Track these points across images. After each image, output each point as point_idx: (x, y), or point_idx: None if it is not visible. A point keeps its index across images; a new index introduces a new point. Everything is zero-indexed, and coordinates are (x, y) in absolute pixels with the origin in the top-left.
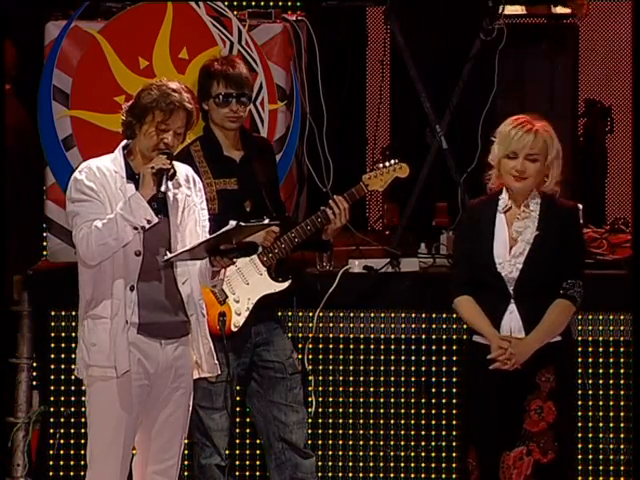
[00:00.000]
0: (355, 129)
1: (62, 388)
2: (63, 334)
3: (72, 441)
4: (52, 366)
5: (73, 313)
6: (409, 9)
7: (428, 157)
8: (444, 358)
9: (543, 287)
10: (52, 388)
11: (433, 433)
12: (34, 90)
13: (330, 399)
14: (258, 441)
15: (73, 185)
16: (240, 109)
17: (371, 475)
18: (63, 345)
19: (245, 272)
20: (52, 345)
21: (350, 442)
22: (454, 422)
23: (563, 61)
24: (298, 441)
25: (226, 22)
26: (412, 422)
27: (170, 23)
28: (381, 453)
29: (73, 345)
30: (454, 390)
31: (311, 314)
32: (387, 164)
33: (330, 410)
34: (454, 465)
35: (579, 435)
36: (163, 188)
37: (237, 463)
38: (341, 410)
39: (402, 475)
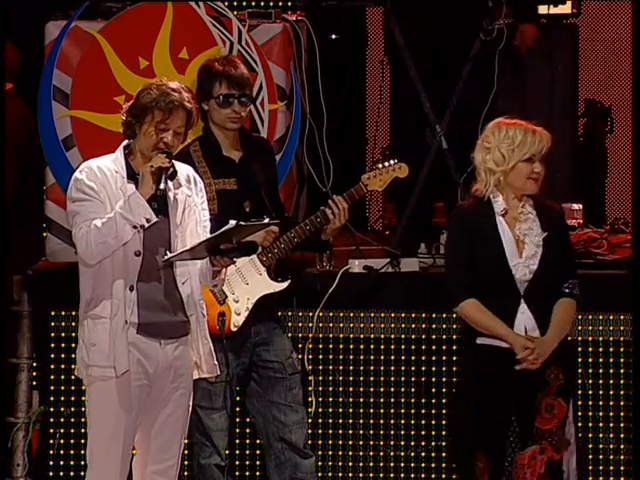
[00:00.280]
0: (355, 129)
1: (62, 388)
2: (63, 334)
3: (72, 441)
4: (52, 366)
5: (73, 313)
6: (409, 9)
7: (428, 157)
8: (444, 358)
9: (550, 286)
10: (52, 388)
11: (433, 433)
12: (34, 90)
13: (330, 399)
14: (258, 441)
15: (74, 185)
16: (241, 110)
17: (371, 475)
18: (63, 345)
19: (245, 272)
20: (52, 345)
21: (350, 442)
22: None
23: (563, 61)
24: (298, 441)
25: (226, 22)
26: (412, 422)
27: (170, 23)
28: (381, 453)
29: (73, 345)
30: (454, 390)
31: (311, 314)
32: (386, 164)
33: (330, 410)
34: (454, 466)
35: (579, 435)
36: (162, 186)
37: (237, 463)
38: (341, 410)
39: (402, 475)
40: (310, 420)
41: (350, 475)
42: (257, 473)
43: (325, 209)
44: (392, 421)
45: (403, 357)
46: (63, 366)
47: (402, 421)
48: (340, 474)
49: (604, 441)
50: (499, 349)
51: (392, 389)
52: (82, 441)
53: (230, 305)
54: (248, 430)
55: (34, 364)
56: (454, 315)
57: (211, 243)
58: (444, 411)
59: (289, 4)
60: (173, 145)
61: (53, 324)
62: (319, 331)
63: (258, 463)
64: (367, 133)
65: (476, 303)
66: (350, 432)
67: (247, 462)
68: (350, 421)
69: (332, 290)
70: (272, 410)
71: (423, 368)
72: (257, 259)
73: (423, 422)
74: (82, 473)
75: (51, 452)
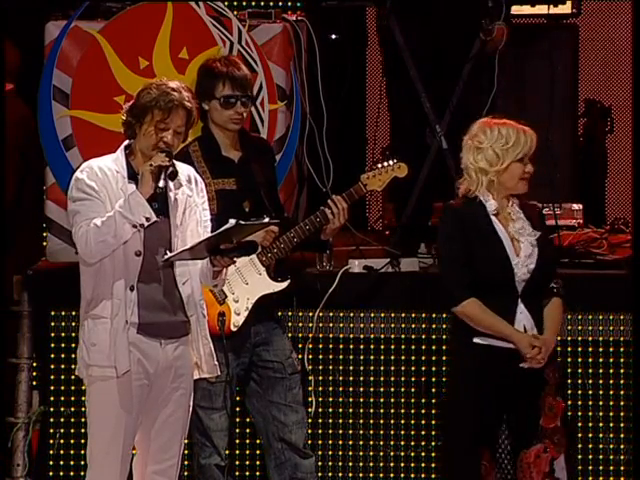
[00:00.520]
0: (355, 129)
1: (62, 388)
2: (63, 334)
3: (72, 441)
4: (52, 366)
5: (73, 313)
6: (409, 9)
7: (428, 157)
8: (444, 358)
9: (542, 286)
10: (52, 388)
11: (433, 433)
12: (34, 90)
13: (330, 399)
14: (258, 441)
15: (74, 184)
16: (244, 111)
17: (371, 475)
18: (63, 345)
19: (244, 272)
20: (52, 345)
21: (350, 442)
22: None
23: (563, 61)
24: (297, 441)
25: (226, 22)
26: (412, 422)
27: (170, 23)
28: (381, 453)
29: (73, 345)
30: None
31: (311, 314)
32: (385, 164)
33: (330, 410)
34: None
35: (579, 435)
36: (161, 184)
37: (237, 463)
38: (341, 410)
39: (402, 475)
40: (310, 420)
41: (350, 475)
42: (257, 473)
43: (325, 209)
44: (392, 421)
45: (403, 357)
46: (63, 366)
47: (402, 421)
48: (340, 474)
49: (604, 441)
50: (497, 348)
51: (392, 389)
52: (82, 441)
53: (230, 305)
54: (248, 430)
55: (34, 364)
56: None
57: (211, 242)
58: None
59: (289, 4)
60: (173, 144)
61: (53, 324)
62: (319, 331)
63: (258, 463)
64: (367, 133)
65: (477, 302)
66: (350, 432)
67: (247, 462)
68: (350, 421)
69: (332, 290)
70: (272, 410)
71: (423, 368)
72: (257, 259)
73: (423, 422)
74: (82, 473)
75: (51, 452)
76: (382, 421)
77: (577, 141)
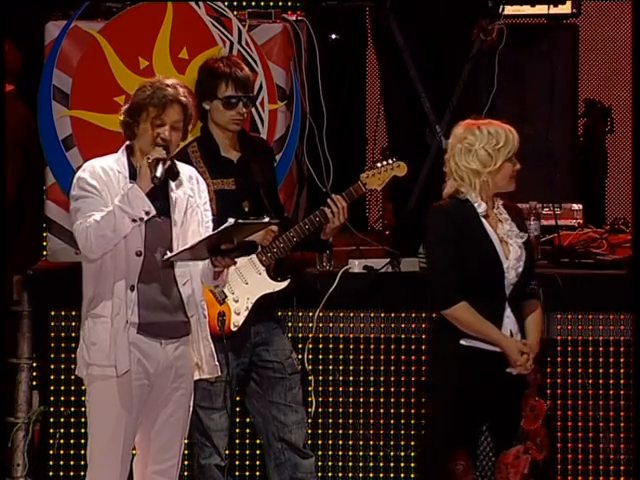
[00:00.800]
0: (355, 129)
1: (62, 388)
2: (63, 334)
3: (72, 441)
4: (52, 366)
5: (73, 313)
6: (409, 9)
7: (428, 157)
8: None
9: (525, 288)
10: (52, 388)
11: None
12: (34, 90)
13: (330, 399)
14: (258, 441)
15: (76, 183)
16: (245, 111)
17: (371, 475)
18: (63, 345)
19: (244, 272)
20: (52, 345)
21: (350, 442)
22: None
23: (563, 61)
24: (297, 441)
25: (226, 22)
26: (412, 422)
27: (170, 23)
28: (381, 453)
29: (73, 345)
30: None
31: (311, 314)
32: (385, 163)
33: (330, 410)
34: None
35: (579, 435)
36: (158, 174)
37: (237, 463)
38: (341, 410)
39: (402, 475)
40: (310, 420)
41: (350, 475)
42: (257, 473)
43: (324, 208)
44: (392, 421)
45: (403, 357)
46: (63, 366)
47: (402, 421)
48: (340, 474)
49: (604, 441)
50: (483, 351)
51: (392, 389)
52: (82, 441)
53: (230, 305)
54: (248, 430)
55: (34, 364)
56: None
57: (211, 242)
58: None
59: (289, 4)
60: (171, 139)
61: (53, 324)
62: (319, 331)
63: (258, 463)
64: (367, 133)
65: (467, 306)
66: (350, 432)
67: (247, 462)
68: (350, 421)
69: (332, 290)
70: (272, 410)
71: (423, 368)
72: (256, 259)
73: (423, 422)
74: (82, 473)
75: (51, 452)
76: (382, 421)
77: (577, 141)
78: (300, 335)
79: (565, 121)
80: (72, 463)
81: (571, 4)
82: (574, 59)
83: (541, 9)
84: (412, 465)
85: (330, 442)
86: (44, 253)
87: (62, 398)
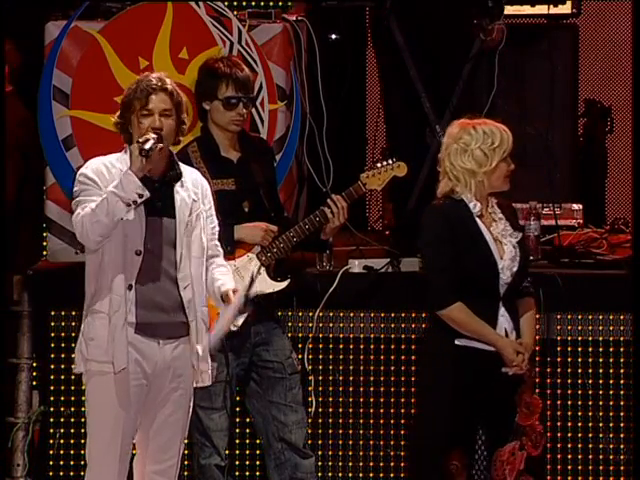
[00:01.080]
0: (355, 129)
1: (62, 388)
2: (63, 334)
3: (72, 441)
4: (52, 366)
5: (73, 313)
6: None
7: (428, 157)
8: None
9: (519, 287)
10: (52, 388)
11: None
12: (34, 90)
13: (330, 399)
14: (258, 441)
15: (77, 179)
16: (245, 112)
17: (371, 475)
18: (63, 345)
19: (244, 272)
20: (52, 345)
21: (350, 442)
22: None
23: (563, 61)
24: (297, 441)
25: (226, 22)
26: (412, 422)
27: (170, 23)
28: (381, 453)
29: (73, 345)
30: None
31: (311, 314)
32: (385, 163)
33: (330, 410)
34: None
35: (579, 435)
36: (147, 146)
37: (237, 463)
38: (341, 410)
39: (402, 475)
40: (310, 420)
41: (350, 475)
42: (257, 473)
43: (324, 208)
44: (392, 421)
45: (403, 357)
46: (63, 366)
47: (402, 421)
48: (340, 474)
49: (604, 441)
50: (478, 350)
51: (392, 389)
52: (82, 441)
53: None
54: (248, 430)
55: (34, 364)
56: None
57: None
58: None
59: (289, 4)
60: (162, 126)
61: (53, 324)
62: (319, 331)
63: (258, 463)
64: (367, 133)
65: (463, 306)
66: (350, 432)
67: (247, 462)
68: (350, 421)
69: (332, 290)
70: (272, 410)
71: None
72: (256, 259)
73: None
74: (82, 473)
75: (51, 452)
76: (382, 421)
77: (577, 141)
78: (300, 335)
79: (565, 121)
80: (72, 463)
81: (571, 4)
82: (574, 59)
83: (541, 9)
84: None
85: (330, 442)
86: (44, 253)
87: (62, 398)
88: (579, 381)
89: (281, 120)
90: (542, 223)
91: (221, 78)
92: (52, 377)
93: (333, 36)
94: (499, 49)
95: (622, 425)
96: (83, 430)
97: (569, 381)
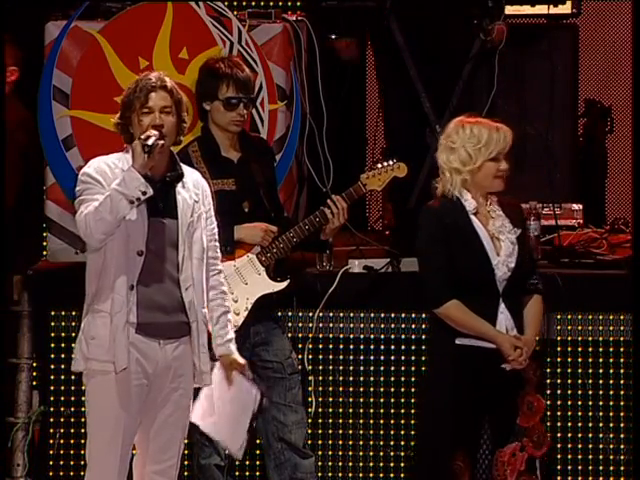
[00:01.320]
0: (355, 129)
1: (62, 388)
2: (63, 334)
3: (72, 441)
4: (52, 366)
5: (73, 313)
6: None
7: (428, 157)
8: None
9: (521, 284)
10: (52, 388)
11: None
12: (34, 90)
13: (330, 399)
14: (258, 441)
15: (80, 178)
16: (246, 112)
17: (371, 475)
18: (63, 345)
19: (244, 272)
20: (52, 345)
21: (350, 442)
22: None
23: (563, 61)
24: (297, 441)
25: (226, 22)
26: (412, 422)
27: (170, 23)
28: (381, 453)
29: (73, 345)
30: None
31: (311, 314)
32: (385, 164)
33: (330, 410)
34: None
35: (579, 435)
36: (150, 142)
37: (237, 463)
38: (341, 410)
39: (402, 475)
40: (310, 420)
41: (350, 475)
42: (257, 473)
43: (324, 209)
44: (392, 421)
45: (403, 357)
46: (63, 366)
47: (402, 421)
48: (340, 474)
49: (604, 441)
50: (479, 349)
51: (392, 389)
52: (82, 441)
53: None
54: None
55: (34, 364)
56: None
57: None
58: None
59: (289, 4)
60: (164, 122)
61: (53, 324)
62: (319, 331)
63: (258, 463)
64: (367, 133)
65: (459, 304)
66: (350, 432)
67: (247, 462)
68: (350, 421)
69: (332, 290)
70: (271, 410)
71: (423, 368)
72: (256, 259)
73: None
74: (82, 473)
75: (51, 452)
76: (382, 421)
77: (577, 141)
78: (300, 335)
79: (565, 121)
80: (72, 463)
81: (571, 4)
82: (574, 59)
83: (541, 9)
84: (412, 465)
85: (330, 442)
86: (44, 253)
87: (62, 398)
88: (579, 381)
89: (281, 120)
90: (542, 223)
91: (222, 78)
92: (52, 377)
93: (333, 36)
94: (499, 49)
95: (622, 425)
96: (83, 430)
97: (569, 381)
